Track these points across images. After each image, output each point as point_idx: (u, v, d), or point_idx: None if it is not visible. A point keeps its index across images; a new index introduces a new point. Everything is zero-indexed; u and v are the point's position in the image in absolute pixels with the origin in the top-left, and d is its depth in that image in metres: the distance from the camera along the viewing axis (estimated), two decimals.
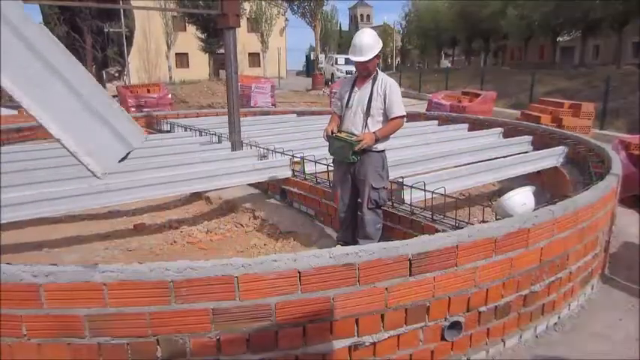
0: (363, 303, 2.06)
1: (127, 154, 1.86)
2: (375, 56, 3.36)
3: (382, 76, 3.49)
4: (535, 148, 5.90)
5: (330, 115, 3.78)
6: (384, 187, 3.51)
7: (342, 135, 3.46)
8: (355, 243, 3.60)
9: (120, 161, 1.83)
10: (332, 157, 3.72)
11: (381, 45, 3.42)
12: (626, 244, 4.06)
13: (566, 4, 21.72)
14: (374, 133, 3.41)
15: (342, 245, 3.45)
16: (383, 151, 3.53)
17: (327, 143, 3.65)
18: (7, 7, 1.53)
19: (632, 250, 3.94)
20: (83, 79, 1.74)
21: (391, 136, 3.56)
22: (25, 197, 3.59)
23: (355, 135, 3.43)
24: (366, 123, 3.45)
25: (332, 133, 3.52)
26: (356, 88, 3.52)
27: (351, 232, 3.77)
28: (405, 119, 3.54)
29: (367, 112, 3.44)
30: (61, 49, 1.69)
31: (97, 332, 1.87)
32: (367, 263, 2.01)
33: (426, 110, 11.34)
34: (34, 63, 1.57)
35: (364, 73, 3.46)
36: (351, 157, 3.40)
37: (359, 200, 3.67)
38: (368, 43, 3.33)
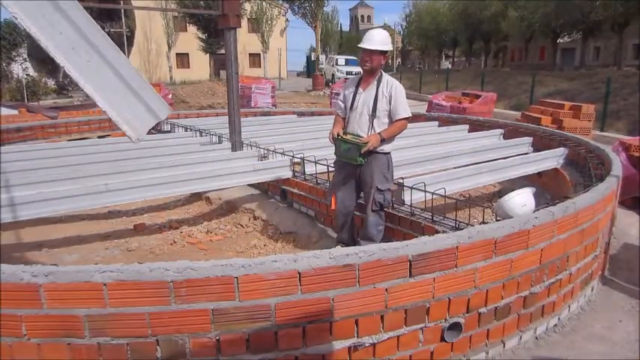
0: (363, 304, 2.05)
1: (157, 124, 2.46)
2: (381, 52, 3.37)
3: (387, 78, 3.49)
4: (535, 149, 5.90)
5: (334, 117, 3.75)
6: (388, 189, 3.52)
7: (348, 137, 3.44)
8: (355, 244, 3.60)
9: (149, 131, 2.42)
10: (334, 158, 3.71)
11: (390, 47, 3.45)
12: (627, 246, 4.06)
13: (566, 5, 21.73)
14: (379, 134, 3.41)
15: (342, 246, 3.45)
16: (389, 152, 3.54)
17: (328, 144, 3.65)
18: (73, 8, 2.09)
19: (632, 251, 3.94)
20: (124, 64, 2.27)
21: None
22: (25, 197, 3.58)
23: (361, 137, 3.43)
24: (372, 124, 3.45)
25: (338, 135, 3.50)
26: (360, 90, 3.50)
27: (351, 233, 3.77)
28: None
29: (373, 114, 3.43)
30: (109, 43, 2.21)
31: (97, 332, 1.87)
32: (367, 264, 2.01)
33: (427, 111, 11.35)
34: (93, 56, 2.13)
35: (366, 65, 3.41)
36: (359, 159, 3.40)
37: (360, 202, 3.67)
38: (380, 37, 3.38)
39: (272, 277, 1.90)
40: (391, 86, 3.44)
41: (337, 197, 3.64)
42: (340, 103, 3.65)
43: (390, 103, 3.43)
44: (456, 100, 12.39)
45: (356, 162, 3.42)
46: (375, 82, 3.45)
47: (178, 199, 5.79)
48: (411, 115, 3.53)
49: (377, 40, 3.36)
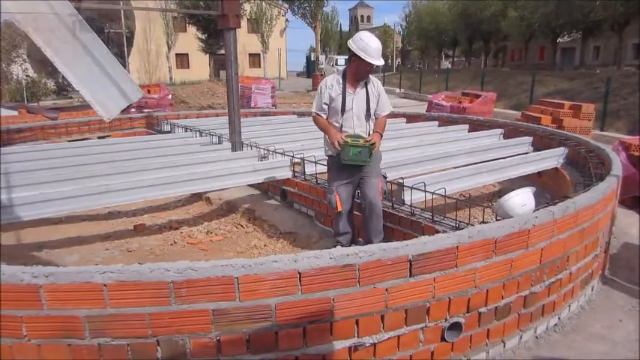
0: (364, 304, 2.06)
1: (128, 106, 2.65)
2: None
3: (371, 77, 3.56)
4: (535, 149, 5.90)
5: (319, 121, 3.60)
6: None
7: (349, 140, 3.42)
8: (355, 243, 3.60)
9: (122, 111, 2.67)
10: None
11: None
12: (627, 245, 4.06)
13: (566, 5, 21.73)
14: (378, 132, 3.52)
15: (342, 246, 3.44)
16: None
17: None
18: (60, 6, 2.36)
19: (632, 251, 3.94)
20: (100, 49, 2.47)
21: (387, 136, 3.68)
22: (26, 198, 3.58)
23: (363, 137, 3.46)
24: (368, 124, 3.55)
25: (344, 141, 3.42)
26: (349, 91, 3.49)
27: (352, 233, 3.76)
28: None
29: (367, 114, 3.52)
30: (87, 28, 2.40)
31: (97, 333, 1.87)
32: (367, 264, 2.02)
33: (427, 111, 11.35)
34: (70, 39, 2.34)
35: (366, 76, 3.49)
36: (368, 160, 3.44)
37: (356, 200, 3.67)
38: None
39: (272, 278, 1.90)
40: (377, 85, 3.58)
41: (340, 198, 3.61)
42: (324, 105, 3.52)
43: (378, 102, 3.56)
44: (456, 100, 12.39)
45: (365, 164, 3.45)
46: (363, 82, 3.51)
47: (178, 200, 5.79)
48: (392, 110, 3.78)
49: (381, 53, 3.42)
